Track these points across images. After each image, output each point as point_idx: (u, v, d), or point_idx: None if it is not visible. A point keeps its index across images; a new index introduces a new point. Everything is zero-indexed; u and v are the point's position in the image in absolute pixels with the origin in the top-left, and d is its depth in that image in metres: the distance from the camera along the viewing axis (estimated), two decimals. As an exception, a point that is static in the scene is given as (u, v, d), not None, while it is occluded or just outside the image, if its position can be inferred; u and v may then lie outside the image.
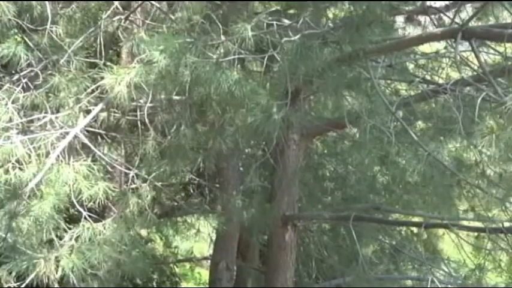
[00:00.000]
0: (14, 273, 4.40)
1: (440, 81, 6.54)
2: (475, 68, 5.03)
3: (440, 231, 7.89)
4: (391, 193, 7.48)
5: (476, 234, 6.86)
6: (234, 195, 5.82)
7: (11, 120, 4.60)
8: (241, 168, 7.16)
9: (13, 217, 4.23)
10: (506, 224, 5.55)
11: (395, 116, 5.00)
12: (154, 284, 10.08)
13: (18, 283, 4.51)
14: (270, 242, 7.04)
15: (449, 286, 6.71)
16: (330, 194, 7.91)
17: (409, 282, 7.73)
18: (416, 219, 7.11)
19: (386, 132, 4.85)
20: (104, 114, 5.38)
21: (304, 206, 7.28)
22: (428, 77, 6.89)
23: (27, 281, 4.48)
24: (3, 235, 4.36)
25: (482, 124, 3.84)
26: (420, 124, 6.83)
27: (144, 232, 8.93)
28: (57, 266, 4.69)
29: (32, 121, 4.76)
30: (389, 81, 7.15)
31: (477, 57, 4.68)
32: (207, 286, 7.64)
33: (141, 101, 5.21)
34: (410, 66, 7.20)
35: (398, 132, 5.07)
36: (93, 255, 4.53)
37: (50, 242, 4.54)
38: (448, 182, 5.12)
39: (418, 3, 6.51)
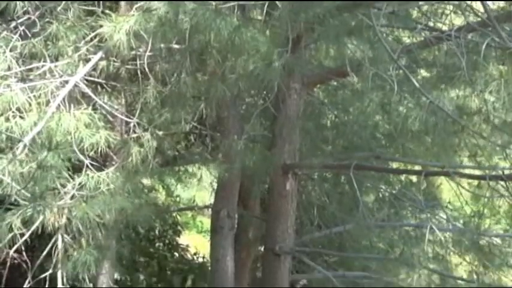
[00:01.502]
0: (20, 220, 4.45)
1: (444, 28, 6.44)
2: (480, 13, 4.94)
3: (439, 181, 7.95)
4: (392, 142, 7.48)
5: (476, 182, 6.89)
6: (236, 142, 5.82)
7: (9, 68, 4.56)
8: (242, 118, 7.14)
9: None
10: (507, 172, 5.57)
11: (397, 63, 4.95)
12: (157, 232, 10.22)
13: (25, 229, 4.57)
14: (271, 191, 7.10)
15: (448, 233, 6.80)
16: (331, 142, 7.91)
17: (408, 229, 7.82)
18: (417, 167, 7.14)
19: (389, 80, 4.81)
20: (103, 63, 5.32)
21: (305, 154, 7.29)
22: (431, 24, 6.78)
23: (33, 228, 4.54)
24: (15, 185, 4.37)
25: (486, 70, 3.80)
26: (423, 72, 6.77)
27: (146, 181, 9.00)
28: (62, 214, 4.74)
29: (31, 70, 4.72)
30: (391, 29, 7.04)
31: (482, 2, 4.59)
32: (209, 234, 7.72)
33: (141, 49, 5.15)
34: (414, 13, 7.08)
35: (401, 80, 5.02)
36: (97, 203, 4.57)
37: (54, 190, 4.57)
38: (450, 130, 5.11)
39: None
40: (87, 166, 4.63)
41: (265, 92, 7.25)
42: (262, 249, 8.16)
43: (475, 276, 6.50)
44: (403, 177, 7.98)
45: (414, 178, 7.72)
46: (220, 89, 4.98)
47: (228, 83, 4.99)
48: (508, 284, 6.68)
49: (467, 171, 6.06)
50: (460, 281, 6.64)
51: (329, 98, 8.27)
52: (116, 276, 7.88)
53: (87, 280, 5.35)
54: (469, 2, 5.17)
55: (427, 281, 6.25)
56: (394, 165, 7.76)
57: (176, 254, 10.29)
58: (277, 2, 4.76)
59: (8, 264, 5.60)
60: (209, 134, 6.71)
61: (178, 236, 10.54)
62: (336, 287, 6.98)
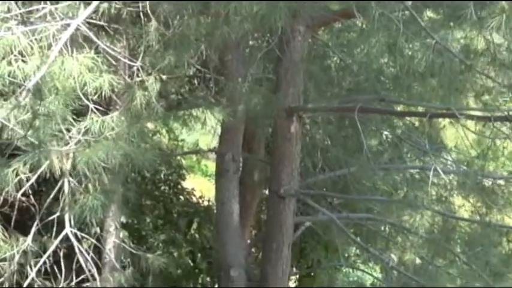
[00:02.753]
0: (28, 165, 4.47)
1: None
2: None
3: (442, 124, 7.93)
4: (398, 84, 7.42)
5: (481, 124, 6.87)
6: (240, 85, 5.78)
7: (9, 10, 4.47)
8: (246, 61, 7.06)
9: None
10: (512, 113, 5.52)
11: (403, 4, 4.86)
12: (162, 176, 10.30)
13: (31, 173, 4.60)
14: (275, 134, 7.07)
15: (452, 175, 6.83)
16: (336, 85, 7.86)
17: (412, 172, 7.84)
18: (422, 110, 7.09)
19: (395, 21, 4.73)
20: (105, 5, 5.22)
21: (309, 97, 7.25)
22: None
23: (39, 172, 4.56)
24: (19, 130, 4.37)
25: (493, 7, 3.72)
26: (429, 13, 6.64)
27: (150, 125, 9.00)
28: (67, 159, 4.77)
29: (31, 12, 4.63)
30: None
31: None
32: (214, 177, 7.78)
33: (142, -9, 5.05)
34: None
35: (407, 21, 4.94)
36: (101, 149, 4.58)
37: (59, 134, 4.57)
38: (457, 70, 5.05)
39: None
40: (91, 110, 4.61)
41: (269, 35, 7.15)
42: (266, 192, 8.24)
43: (477, 217, 6.56)
44: (407, 120, 7.95)
45: (417, 123, 7.68)
46: (224, 31, 4.90)
47: (232, 25, 4.91)
48: (511, 224, 6.74)
49: (472, 113, 6.02)
50: (462, 221, 6.71)
51: (333, 40, 8.15)
52: (123, 219, 7.99)
53: (94, 223, 5.44)
54: None
55: (430, 222, 6.32)
56: (399, 108, 7.71)
57: (181, 197, 10.40)
58: None
59: (16, 207, 5.68)
60: (213, 78, 6.65)
61: (183, 180, 10.62)
62: (340, 228, 7.06)
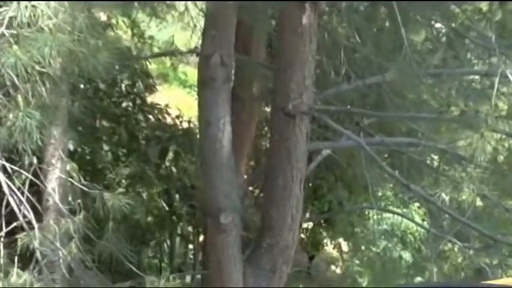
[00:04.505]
0: None
1: None
2: None
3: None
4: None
5: None
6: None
7: None
8: None
9: None
10: None
11: None
12: (123, 87, 10.25)
13: None
14: (281, 28, 7.04)
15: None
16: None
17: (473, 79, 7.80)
18: None
19: None
20: None
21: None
22: None
23: None
24: None
25: None
26: None
27: (103, 16, 8.87)
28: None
29: None
30: None
31: None
32: (196, 89, 7.75)
33: None
34: None
35: None
36: (36, 45, 4.48)
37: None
38: None
39: None
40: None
41: None
42: (269, 108, 8.21)
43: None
44: (467, 5, 7.81)
45: (484, 6, 7.54)
46: None
47: None
48: None
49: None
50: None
51: None
52: (70, 146, 8.01)
53: (29, 151, 5.42)
54: None
55: (496, 148, 6.31)
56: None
57: (151, 116, 10.42)
58: None
59: None
60: None
61: (151, 93, 10.60)
62: (370, 158, 7.08)
